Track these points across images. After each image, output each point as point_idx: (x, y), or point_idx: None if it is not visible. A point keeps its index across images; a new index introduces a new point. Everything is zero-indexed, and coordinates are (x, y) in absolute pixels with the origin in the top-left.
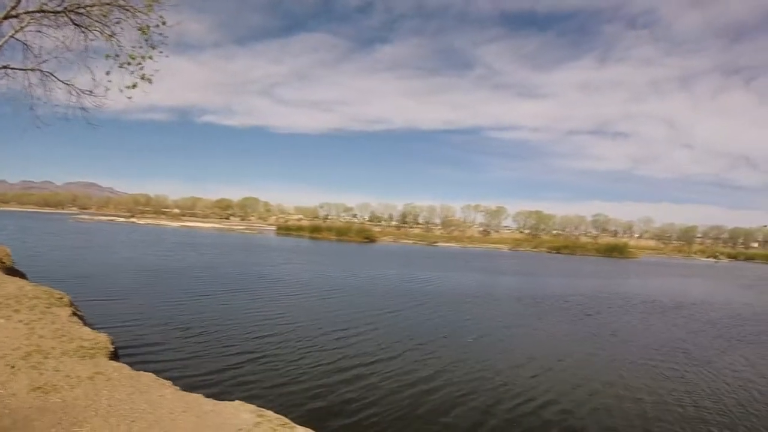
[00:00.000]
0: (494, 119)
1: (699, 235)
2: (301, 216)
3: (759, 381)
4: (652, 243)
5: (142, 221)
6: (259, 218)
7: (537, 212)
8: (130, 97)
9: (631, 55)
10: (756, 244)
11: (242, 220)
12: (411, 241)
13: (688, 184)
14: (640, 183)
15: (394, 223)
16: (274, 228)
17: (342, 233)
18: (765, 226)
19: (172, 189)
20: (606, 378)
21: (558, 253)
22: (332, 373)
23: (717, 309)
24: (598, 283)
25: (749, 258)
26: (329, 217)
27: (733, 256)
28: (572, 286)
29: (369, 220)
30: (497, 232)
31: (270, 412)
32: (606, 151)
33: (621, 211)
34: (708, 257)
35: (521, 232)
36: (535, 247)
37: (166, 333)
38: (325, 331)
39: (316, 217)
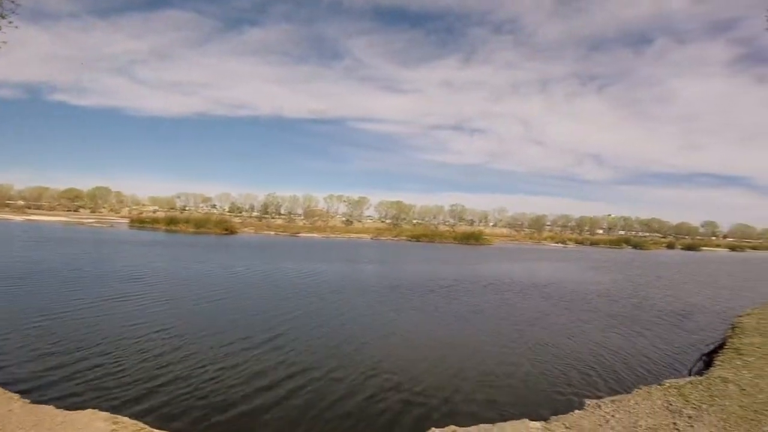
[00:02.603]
0: (360, 111)
1: (548, 223)
2: (156, 207)
3: (607, 345)
4: (505, 231)
5: None
6: (111, 210)
7: (398, 202)
8: None
9: (494, 58)
10: (601, 231)
11: (92, 212)
12: (273, 232)
13: (539, 177)
14: (496, 176)
15: (255, 214)
16: (127, 221)
17: (200, 225)
18: (609, 215)
19: (17, 178)
20: (477, 353)
21: (418, 241)
22: (191, 375)
23: (568, 287)
24: (459, 268)
25: (594, 243)
26: (187, 208)
27: (579, 242)
28: (436, 271)
29: (229, 211)
30: (360, 222)
31: (125, 419)
32: (465, 145)
33: (477, 202)
34: (557, 243)
35: (383, 221)
36: (396, 236)
37: (10, 343)
38: (182, 332)
39: (173, 208)
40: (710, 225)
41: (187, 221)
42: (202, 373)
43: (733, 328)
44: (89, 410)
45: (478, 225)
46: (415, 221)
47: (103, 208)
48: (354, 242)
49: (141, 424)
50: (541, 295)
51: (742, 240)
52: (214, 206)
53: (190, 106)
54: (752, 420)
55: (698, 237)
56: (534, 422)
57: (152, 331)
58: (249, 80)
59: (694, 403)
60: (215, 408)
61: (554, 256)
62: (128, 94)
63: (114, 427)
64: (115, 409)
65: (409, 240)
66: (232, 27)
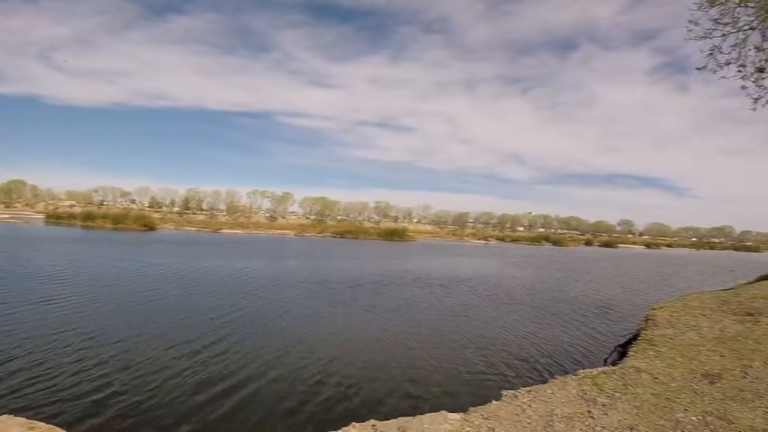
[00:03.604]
0: (286, 105)
1: (471, 221)
2: (73, 202)
3: (527, 337)
4: (429, 228)
5: None
6: (27, 205)
7: (323, 198)
8: None
9: (422, 57)
10: (522, 229)
11: (6, 207)
12: (194, 228)
13: (464, 175)
14: (421, 173)
15: (176, 209)
16: (43, 216)
17: (118, 221)
18: (530, 213)
19: None
20: (401, 348)
21: (342, 237)
22: (112, 377)
23: (490, 282)
24: (384, 264)
25: (515, 240)
26: (105, 203)
27: (501, 239)
28: (362, 267)
29: (149, 206)
30: (284, 218)
31: (42, 423)
32: (391, 142)
33: (402, 199)
34: (479, 239)
35: (307, 217)
36: (320, 233)
37: None
38: (102, 333)
39: (90, 203)
40: (627, 223)
41: (104, 217)
42: (126, 377)
43: (646, 321)
44: (4, 416)
45: (403, 222)
46: (339, 217)
47: (18, 202)
48: (278, 238)
49: (58, 429)
50: (463, 290)
51: (657, 238)
52: (133, 201)
53: (111, 95)
54: (665, 407)
55: (615, 235)
56: (453, 414)
57: (78, 336)
58: (172, 70)
59: (608, 392)
60: (136, 411)
61: (477, 252)
62: (48, 81)
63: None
64: (34, 416)
65: (334, 236)
66: (157, 14)
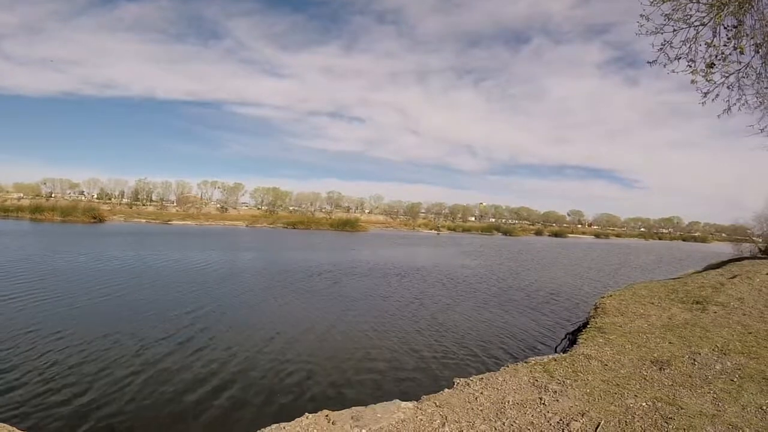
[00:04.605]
0: (237, 94)
1: (423, 211)
2: (21, 195)
3: (479, 326)
4: (381, 218)
5: None
6: None
7: (274, 189)
8: None
9: (375, 48)
10: (473, 219)
11: None
12: (144, 220)
13: (415, 166)
14: (372, 164)
15: (125, 200)
16: None
17: (67, 213)
18: (481, 203)
19: None
20: (354, 338)
21: (294, 228)
22: (42, 369)
23: (441, 271)
24: (336, 254)
25: (466, 230)
26: (53, 195)
27: (452, 229)
28: (313, 258)
29: (98, 198)
30: (235, 209)
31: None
32: (342, 133)
33: (354, 189)
34: (431, 230)
35: (259, 208)
36: (272, 223)
37: None
38: (68, 333)
39: (38, 195)
40: (576, 214)
41: (53, 209)
42: (101, 379)
43: (596, 309)
44: None
45: (355, 212)
46: (291, 208)
47: None
48: (229, 230)
49: (11, 428)
50: (416, 279)
51: (606, 228)
52: (82, 193)
53: (59, 84)
54: (615, 393)
55: (565, 225)
56: (406, 402)
57: (44, 337)
58: (122, 59)
59: (558, 379)
60: (110, 414)
61: (428, 242)
62: None
63: None
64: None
65: (286, 227)
66: (107, 1)
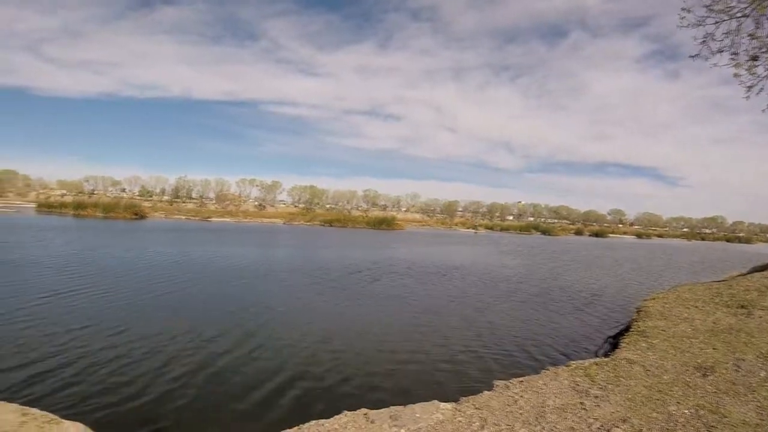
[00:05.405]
0: (274, 94)
1: (460, 209)
2: (64, 191)
3: (518, 327)
4: (418, 216)
5: None
6: (18, 194)
7: (311, 187)
8: None
9: (410, 45)
10: (511, 217)
11: None
12: (184, 217)
13: (452, 164)
14: (409, 162)
15: (166, 198)
16: (34, 205)
17: (109, 210)
18: (519, 202)
19: None
20: (392, 337)
21: (331, 226)
22: (104, 364)
23: (480, 271)
24: (374, 253)
25: (504, 229)
26: (95, 192)
27: (490, 228)
28: (352, 256)
29: (139, 195)
30: (273, 206)
31: (35, 410)
32: (378, 131)
33: (390, 187)
34: (468, 228)
35: (296, 206)
36: (309, 221)
37: None
38: (95, 318)
39: (81, 192)
40: (617, 213)
41: (95, 206)
42: (148, 372)
43: (638, 312)
44: None
45: (391, 210)
46: (328, 206)
47: (10, 192)
48: (267, 227)
49: (52, 416)
50: (455, 278)
51: (648, 228)
52: (123, 190)
53: (99, 86)
54: (657, 400)
55: (606, 224)
56: (445, 403)
57: (100, 332)
58: (161, 60)
59: (600, 384)
60: (153, 406)
61: (466, 241)
62: (36, 73)
63: (23, 419)
64: (25, 401)
65: (322, 225)
66: (145, 5)
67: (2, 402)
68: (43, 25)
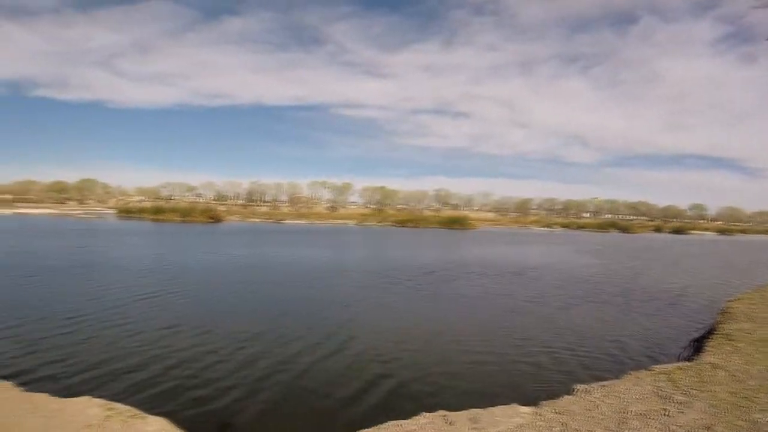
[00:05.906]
0: (341, 97)
1: (534, 207)
2: (142, 197)
3: (598, 329)
4: (491, 215)
5: None
6: (99, 201)
7: (382, 188)
8: None
9: (475, 40)
10: (587, 215)
11: (80, 204)
12: (258, 220)
13: (524, 160)
14: (480, 159)
15: (240, 201)
16: (114, 211)
17: (186, 214)
18: (595, 198)
19: (3, 172)
20: (468, 338)
21: (403, 226)
22: (187, 361)
23: (557, 271)
24: (448, 253)
25: (581, 227)
26: (172, 198)
27: (565, 226)
28: (426, 256)
29: (214, 200)
30: (344, 207)
31: (120, 405)
32: (447, 129)
33: (461, 186)
34: (543, 227)
35: (367, 207)
36: (380, 222)
37: (18, 335)
38: (177, 318)
39: (159, 198)
40: (698, 208)
41: (173, 210)
42: (233, 372)
43: (723, 313)
44: (84, 397)
45: (463, 209)
46: (399, 206)
47: (91, 199)
48: (340, 228)
49: (136, 410)
50: (530, 279)
51: (730, 223)
52: (199, 195)
53: (171, 97)
54: (743, 407)
55: (686, 220)
56: (524, 407)
57: (185, 329)
58: (229, 70)
59: (683, 389)
60: (237, 405)
61: (542, 240)
62: (110, 87)
63: (109, 413)
64: (110, 396)
65: (394, 225)
66: (212, 17)
67: (88, 396)
68: (114, 41)
